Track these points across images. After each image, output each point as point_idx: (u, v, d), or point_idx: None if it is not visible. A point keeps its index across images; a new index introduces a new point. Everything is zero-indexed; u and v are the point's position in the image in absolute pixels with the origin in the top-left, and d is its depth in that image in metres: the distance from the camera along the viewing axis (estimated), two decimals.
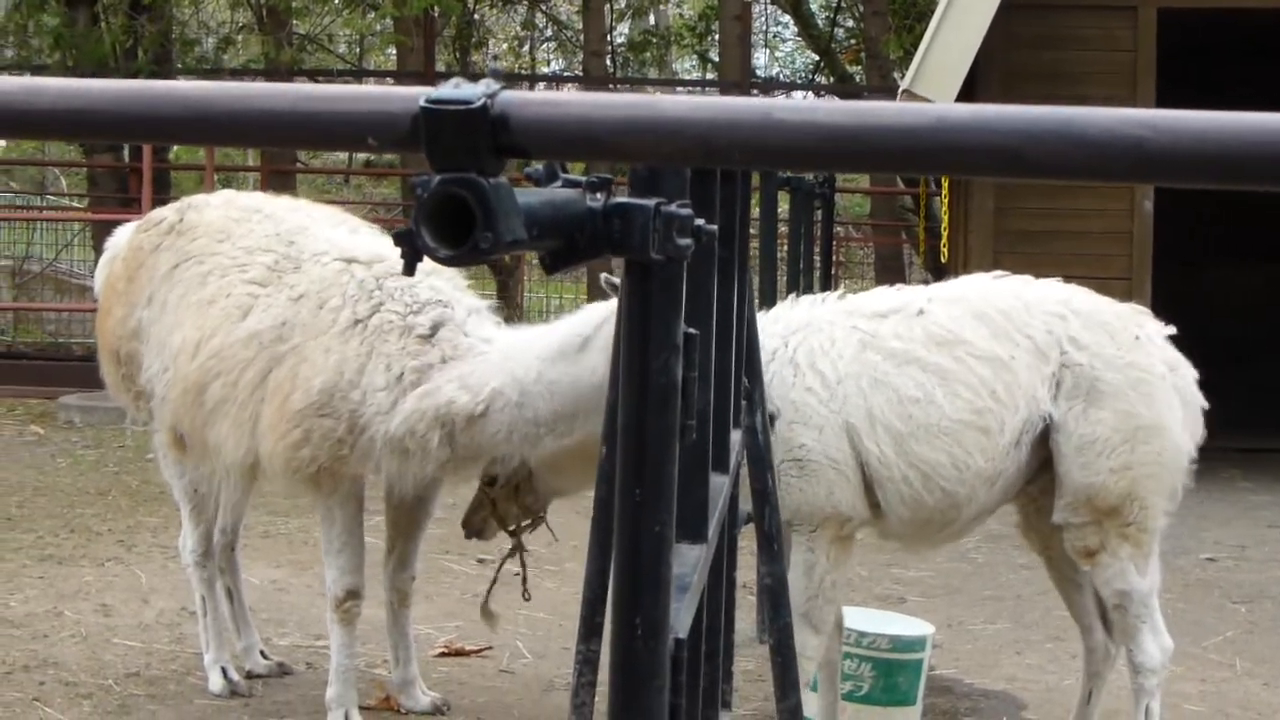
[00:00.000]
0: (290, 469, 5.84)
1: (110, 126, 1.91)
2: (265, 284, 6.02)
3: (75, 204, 24.61)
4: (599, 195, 2.03)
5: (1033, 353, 5.68)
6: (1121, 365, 5.71)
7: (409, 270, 1.84)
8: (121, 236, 6.78)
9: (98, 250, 20.39)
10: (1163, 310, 6.23)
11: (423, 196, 1.79)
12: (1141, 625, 5.78)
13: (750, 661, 6.76)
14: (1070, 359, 5.69)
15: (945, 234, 13.87)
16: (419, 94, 1.78)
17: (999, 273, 6.07)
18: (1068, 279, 6.07)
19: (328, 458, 5.80)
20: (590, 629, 4.22)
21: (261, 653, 6.83)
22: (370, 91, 1.85)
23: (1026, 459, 5.76)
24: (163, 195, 18.75)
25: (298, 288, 5.97)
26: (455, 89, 1.78)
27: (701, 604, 3.28)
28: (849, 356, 5.68)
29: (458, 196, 1.78)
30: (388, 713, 6.35)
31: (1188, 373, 5.89)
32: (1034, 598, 8.44)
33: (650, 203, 2.02)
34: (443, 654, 7.23)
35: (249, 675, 6.68)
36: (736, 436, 4.33)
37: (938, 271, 18.49)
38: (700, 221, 2.14)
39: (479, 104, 1.76)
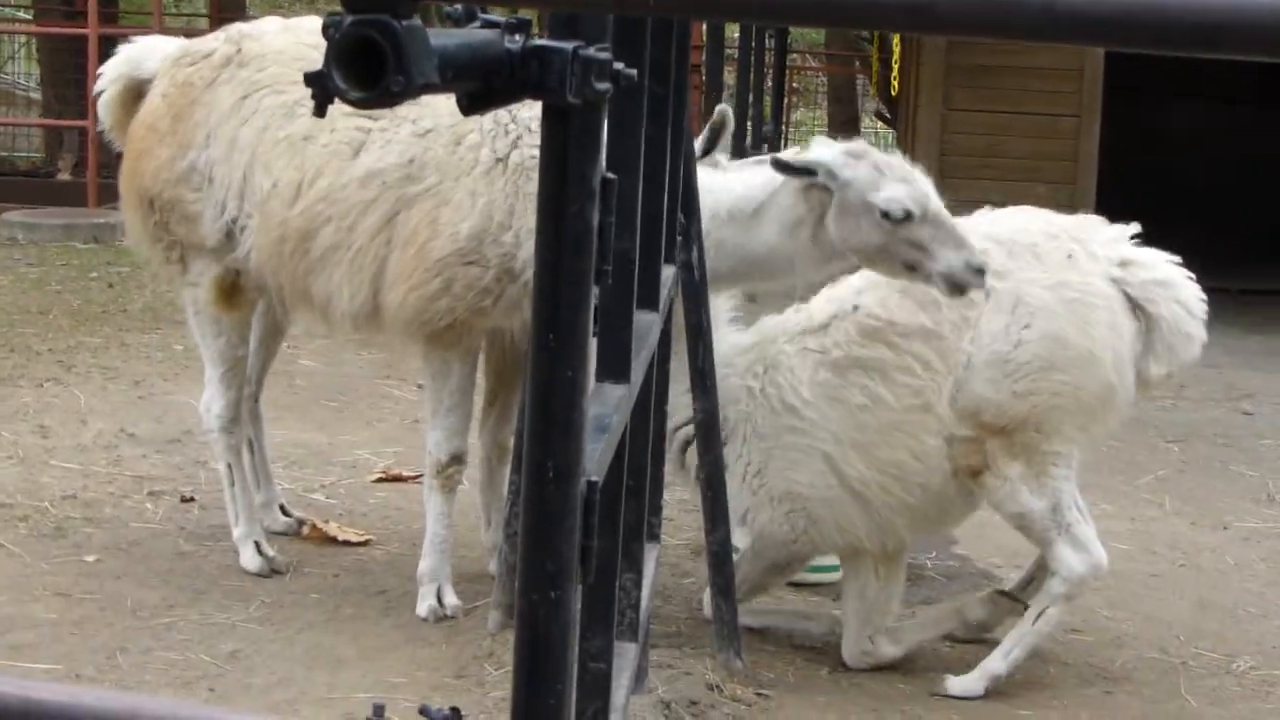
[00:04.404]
0: (421, 320, 5.48)
1: None
2: (376, 117, 5.48)
3: (22, 14, 24.21)
4: (517, 37, 2.02)
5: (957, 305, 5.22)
6: (1050, 284, 5.23)
7: (319, 112, 1.83)
8: (120, 68, 6.11)
9: (43, 64, 20.16)
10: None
11: (335, 37, 1.77)
12: (1055, 538, 5.27)
13: (686, 491, 6.82)
14: (993, 292, 5.19)
15: (896, 67, 13.78)
16: None
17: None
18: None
19: (466, 309, 5.45)
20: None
21: (281, 507, 6.48)
22: None
23: None
24: (109, 9, 18.49)
25: (422, 121, 5.49)
26: None
27: (625, 441, 3.31)
28: (806, 380, 5.41)
29: (369, 38, 1.76)
30: (317, 542, 6.39)
31: (1175, 291, 5.40)
32: None
33: (568, 46, 2.00)
34: (380, 479, 7.28)
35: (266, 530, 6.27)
36: (670, 273, 4.34)
37: (890, 104, 18.43)
38: (620, 66, 2.13)
39: None
